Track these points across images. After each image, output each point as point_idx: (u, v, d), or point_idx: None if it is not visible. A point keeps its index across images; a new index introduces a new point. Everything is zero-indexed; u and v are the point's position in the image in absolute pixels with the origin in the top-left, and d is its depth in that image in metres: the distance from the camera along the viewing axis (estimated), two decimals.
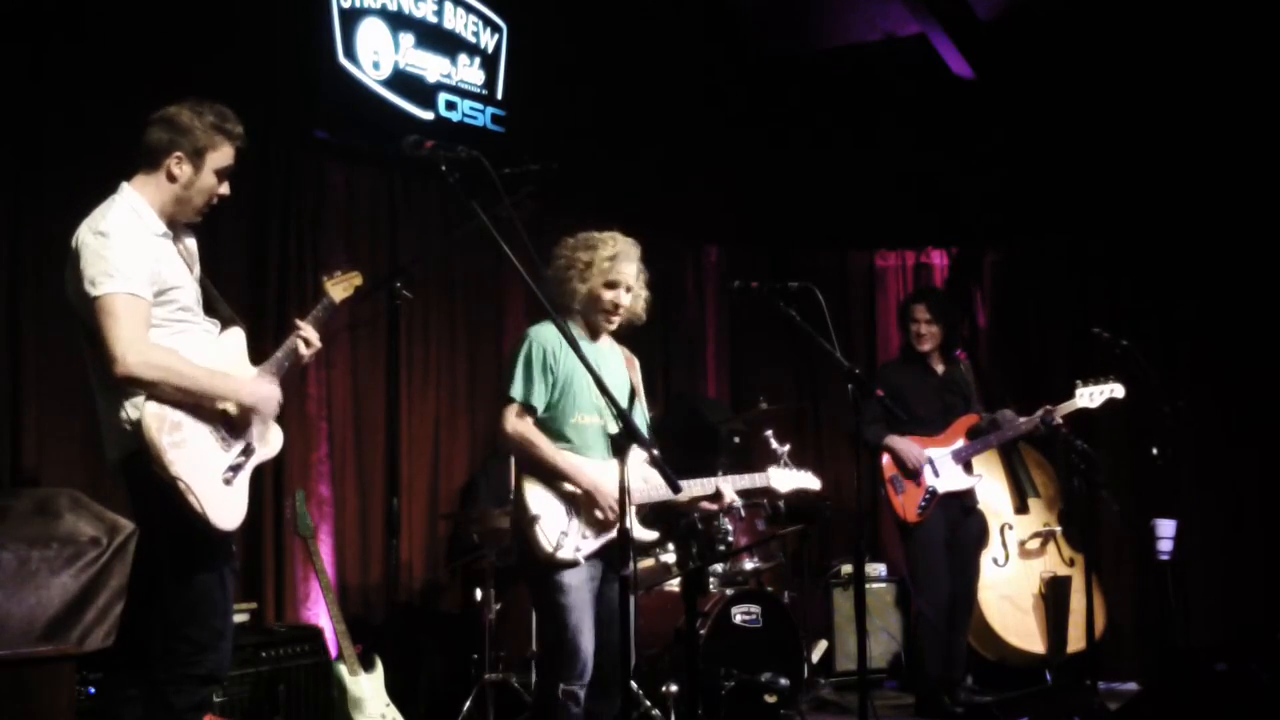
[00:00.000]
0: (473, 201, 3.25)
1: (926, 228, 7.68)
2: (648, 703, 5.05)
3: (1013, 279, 7.53)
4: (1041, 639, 6.40)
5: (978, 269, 7.62)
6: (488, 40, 6.25)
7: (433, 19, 5.99)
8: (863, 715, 4.02)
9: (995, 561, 6.48)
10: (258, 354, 3.58)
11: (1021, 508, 6.62)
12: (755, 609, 5.36)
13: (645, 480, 3.91)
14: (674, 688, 5.03)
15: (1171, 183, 6.97)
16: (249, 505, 3.39)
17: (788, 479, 4.43)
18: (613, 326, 4.04)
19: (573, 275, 3.95)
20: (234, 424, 3.34)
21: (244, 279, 5.26)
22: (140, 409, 3.13)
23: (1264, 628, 6.13)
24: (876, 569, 6.88)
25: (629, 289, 3.98)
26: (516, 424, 3.86)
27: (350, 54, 5.60)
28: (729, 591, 5.38)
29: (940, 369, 6.10)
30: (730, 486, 4.13)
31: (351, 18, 5.62)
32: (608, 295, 3.96)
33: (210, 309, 3.48)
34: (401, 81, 5.81)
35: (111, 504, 4.16)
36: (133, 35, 4.87)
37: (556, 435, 3.88)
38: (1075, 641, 6.30)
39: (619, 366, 4.05)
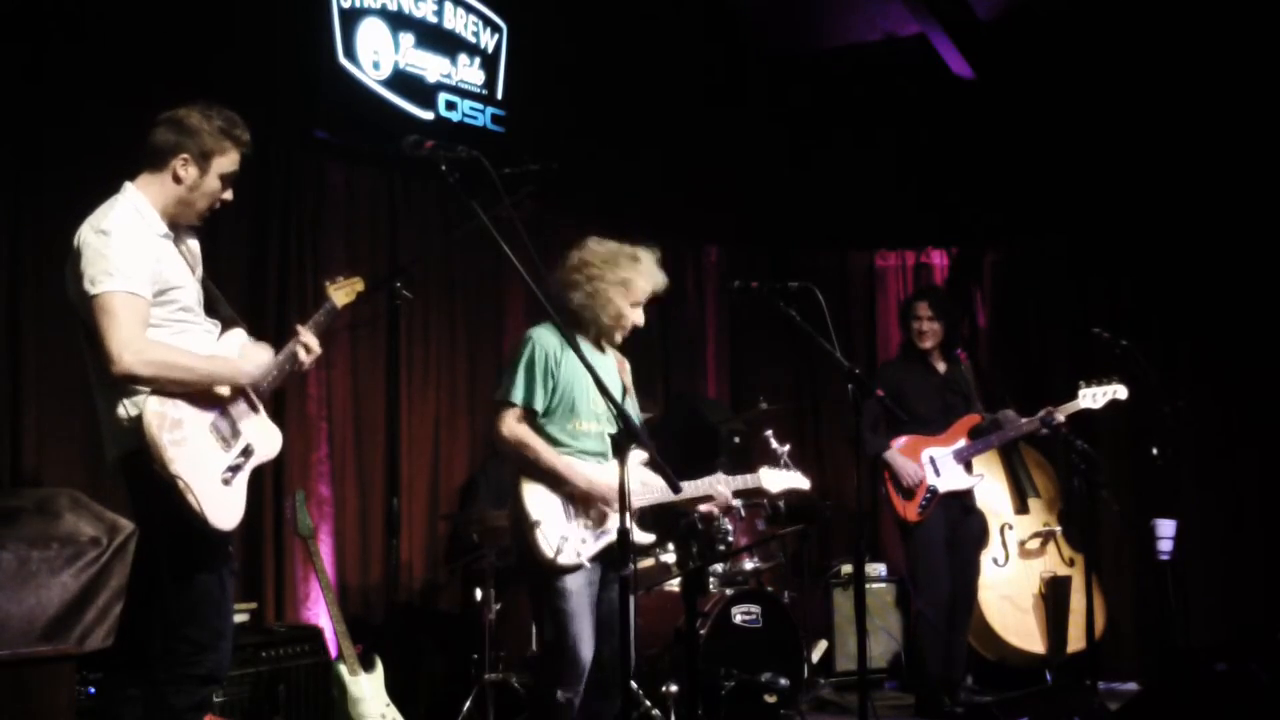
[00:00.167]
0: (473, 201, 3.25)
1: (926, 228, 7.68)
2: (648, 703, 5.05)
3: (1013, 279, 7.53)
4: (1041, 639, 6.40)
5: (978, 269, 7.62)
6: (488, 40, 6.25)
7: (433, 19, 5.99)
8: (863, 715, 4.02)
9: (995, 561, 6.48)
10: None
11: (1022, 508, 6.62)
12: (755, 609, 5.36)
13: (643, 484, 3.91)
14: (674, 688, 5.03)
15: (1172, 182, 6.97)
16: (249, 505, 3.39)
17: (778, 479, 4.45)
18: (619, 338, 4.06)
19: (605, 288, 3.92)
20: (236, 421, 3.34)
21: (244, 279, 5.27)
22: (140, 407, 3.13)
23: (1264, 628, 6.13)
24: (876, 569, 6.88)
25: (639, 305, 4.04)
26: (515, 428, 3.86)
27: (350, 54, 5.60)
28: (729, 591, 5.38)
29: (941, 368, 6.11)
30: (725, 488, 4.14)
31: (351, 18, 5.62)
32: (633, 314, 3.96)
33: (211, 310, 3.48)
34: (401, 81, 5.81)
35: (111, 504, 4.16)
36: (132, 35, 4.87)
37: (556, 441, 3.87)
38: (1075, 641, 6.30)
39: (613, 369, 4.05)
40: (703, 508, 4.22)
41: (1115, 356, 5.73)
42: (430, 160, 3.24)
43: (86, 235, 3.20)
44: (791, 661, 5.35)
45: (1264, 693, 3.61)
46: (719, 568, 5.66)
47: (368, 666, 4.70)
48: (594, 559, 3.84)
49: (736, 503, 5.78)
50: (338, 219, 5.71)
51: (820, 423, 7.60)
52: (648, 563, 5.65)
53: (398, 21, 5.82)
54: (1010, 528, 6.56)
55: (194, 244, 3.49)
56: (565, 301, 3.98)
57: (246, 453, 3.35)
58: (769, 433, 5.41)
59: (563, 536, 3.77)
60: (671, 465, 3.34)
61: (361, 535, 5.67)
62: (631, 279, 3.94)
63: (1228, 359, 6.85)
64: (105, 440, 3.29)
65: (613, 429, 3.90)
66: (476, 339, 6.27)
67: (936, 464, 5.90)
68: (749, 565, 5.79)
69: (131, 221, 3.24)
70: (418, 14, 5.92)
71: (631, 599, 3.31)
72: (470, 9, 6.18)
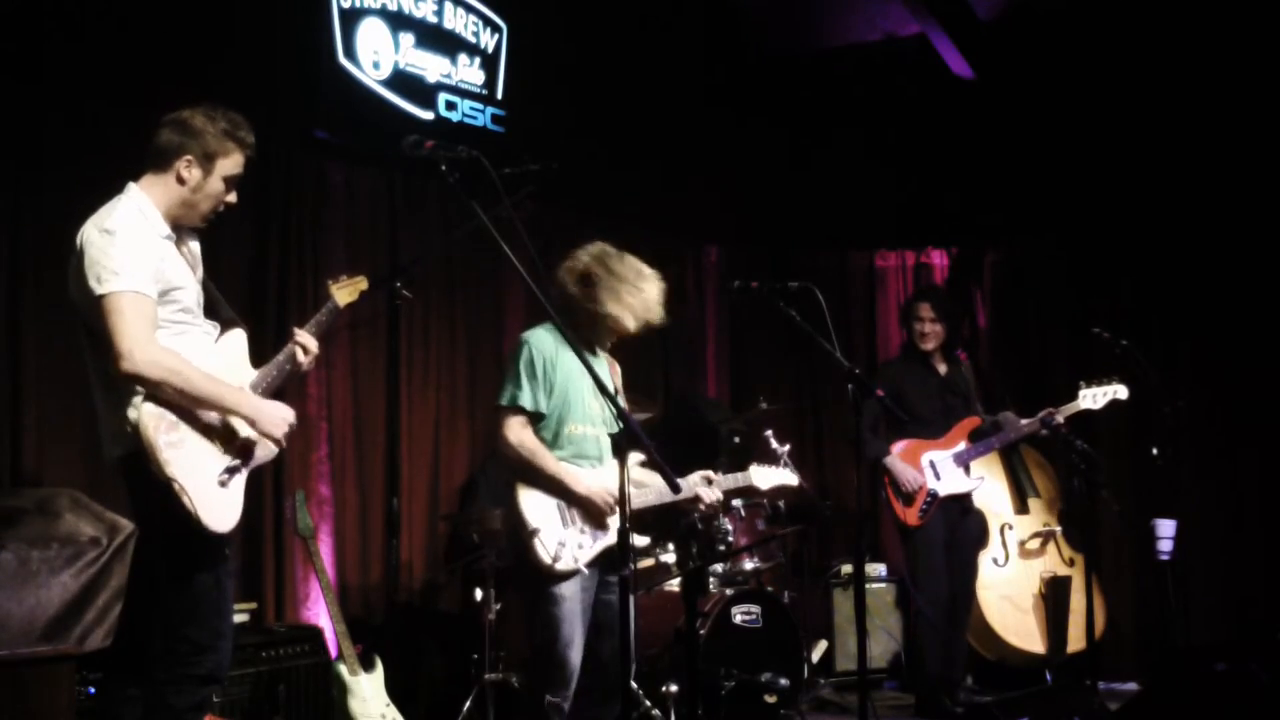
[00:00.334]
0: (473, 201, 3.25)
1: (926, 228, 7.68)
2: (648, 703, 5.05)
3: (1013, 279, 7.53)
4: (1041, 639, 6.40)
5: (978, 269, 7.62)
6: (488, 40, 6.25)
7: (433, 19, 5.99)
8: (863, 715, 4.03)
9: (995, 561, 6.48)
10: (258, 356, 3.58)
11: (1022, 508, 6.62)
12: (755, 609, 5.36)
13: (638, 485, 3.91)
14: (674, 688, 5.03)
15: (1171, 182, 6.97)
16: (250, 505, 3.39)
17: (768, 476, 4.52)
18: (609, 345, 4.08)
19: (610, 298, 3.91)
20: (233, 423, 3.33)
21: (244, 279, 5.26)
22: (139, 408, 3.13)
23: (1264, 628, 6.14)
24: (876, 569, 6.88)
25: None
26: (522, 434, 3.85)
27: (350, 54, 5.60)
28: (729, 591, 5.38)
29: (942, 369, 6.11)
30: (715, 488, 4.17)
31: (351, 18, 5.62)
32: (634, 329, 3.96)
33: (212, 311, 3.48)
34: (401, 81, 5.81)
35: (111, 504, 4.16)
36: (132, 35, 4.87)
37: (550, 444, 3.86)
38: (1075, 641, 6.30)
39: (605, 372, 4.03)
40: (703, 506, 4.21)
41: (1115, 356, 5.72)
42: (430, 160, 3.24)
43: (90, 234, 3.20)
44: (791, 661, 5.34)
45: (1264, 693, 3.61)
46: (719, 568, 5.66)
47: (368, 666, 4.70)
48: (591, 564, 3.83)
49: (737, 503, 5.81)
50: (338, 219, 5.71)
51: (820, 423, 7.60)
52: (647, 563, 5.65)
53: (398, 21, 5.82)
54: (1010, 528, 6.56)
55: (195, 245, 3.49)
56: (564, 299, 3.97)
57: (245, 455, 3.34)
58: (769, 433, 5.41)
59: (560, 542, 3.77)
60: (671, 466, 3.33)
61: (361, 535, 5.67)
62: (636, 300, 3.93)
63: (1228, 359, 6.85)
64: (104, 441, 3.29)
65: (606, 431, 3.92)
66: (476, 339, 6.26)
67: (937, 468, 5.90)
68: (749, 565, 5.79)
69: (135, 221, 3.24)
70: (418, 14, 5.92)
71: (631, 599, 3.31)
72: (470, 9, 6.18)
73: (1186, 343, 6.96)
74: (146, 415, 3.12)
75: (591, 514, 3.83)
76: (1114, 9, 6.93)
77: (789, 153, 7.78)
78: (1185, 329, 6.97)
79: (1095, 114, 7.11)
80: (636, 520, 4.05)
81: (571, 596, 3.76)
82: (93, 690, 3.87)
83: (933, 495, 5.86)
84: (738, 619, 5.32)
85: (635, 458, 3.89)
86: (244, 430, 3.35)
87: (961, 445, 5.95)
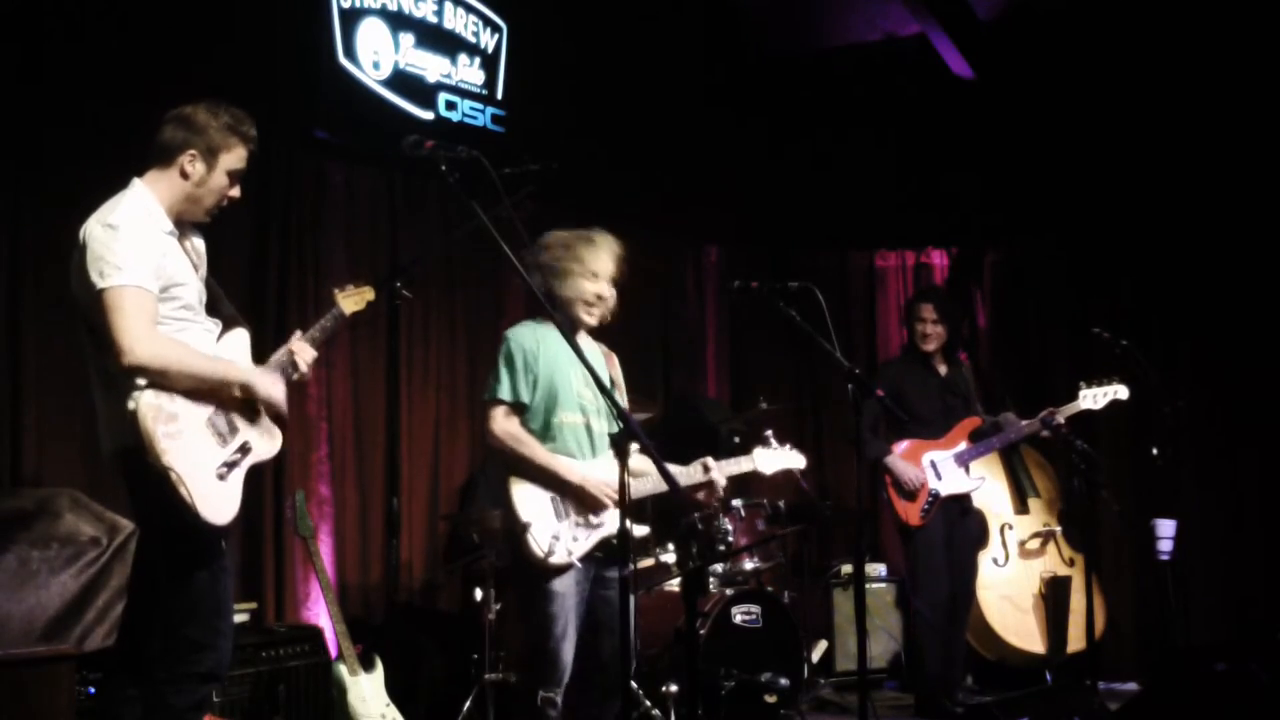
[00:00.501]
0: (473, 201, 3.25)
1: (926, 228, 7.68)
2: (648, 703, 5.05)
3: (1013, 279, 7.53)
4: (1041, 639, 6.40)
5: (978, 269, 7.62)
6: (488, 40, 6.25)
7: (433, 19, 5.99)
8: (863, 715, 4.02)
9: (995, 561, 6.49)
10: (258, 356, 3.58)
11: (1022, 508, 6.62)
12: (755, 609, 5.36)
13: (636, 474, 3.88)
14: (674, 688, 5.03)
15: (1171, 182, 6.97)
16: (250, 505, 3.40)
17: (772, 459, 4.44)
18: (593, 321, 4.00)
19: (567, 271, 3.93)
20: (233, 419, 3.34)
21: (244, 279, 5.26)
22: (137, 400, 3.13)
23: (1264, 628, 6.14)
24: (876, 569, 6.88)
25: (612, 283, 3.99)
26: (505, 424, 3.85)
27: (350, 54, 5.60)
28: (729, 591, 5.38)
29: (943, 369, 6.10)
30: (719, 472, 4.09)
31: (351, 18, 5.62)
32: (591, 288, 3.93)
33: (214, 309, 3.48)
34: (401, 81, 5.81)
35: (111, 504, 4.17)
36: (132, 35, 4.87)
37: (539, 436, 3.86)
38: (1075, 641, 6.30)
39: (599, 363, 4.01)
40: (701, 495, 4.16)
41: (1115, 356, 5.72)
42: (430, 160, 3.24)
43: (93, 229, 3.21)
44: (791, 661, 5.34)
45: (1264, 693, 3.61)
46: (719, 568, 5.66)
47: (368, 666, 4.70)
48: (586, 558, 3.82)
49: (737, 502, 5.81)
50: (338, 219, 5.71)
51: (820, 423, 7.60)
52: (647, 563, 5.65)
53: (398, 21, 5.82)
54: (1010, 528, 6.56)
55: (199, 243, 3.49)
56: (544, 291, 3.98)
57: (243, 450, 3.34)
58: (769, 433, 5.39)
59: (554, 536, 3.76)
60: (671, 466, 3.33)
61: (361, 535, 5.67)
62: (590, 258, 3.93)
63: (1228, 359, 6.85)
64: (103, 436, 3.29)
65: (598, 420, 3.91)
66: (476, 339, 6.26)
67: (937, 468, 5.90)
68: (749, 565, 5.79)
69: (139, 217, 3.25)
70: (418, 14, 5.92)
71: (632, 599, 3.31)
72: (470, 9, 6.18)
73: (1186, 343, 6.96)
74: (145, 407, 3.12)
75: (586, 505, 3.81)
76: (1114, 9, 6.93)
77: (789, 153, 7.78)
78: (1185, 329, 6.97)
79: (1095, 114, 7.11)
80: (636, 509, 4.05)
81: (565, 592, 3.75)
82: (93, 690, 3.86)
83: (934, 495, 5.86)
84: (738, 619, 5.32)
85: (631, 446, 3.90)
86: (245, 426, 3.36)
87: (962, 445, 5.95)
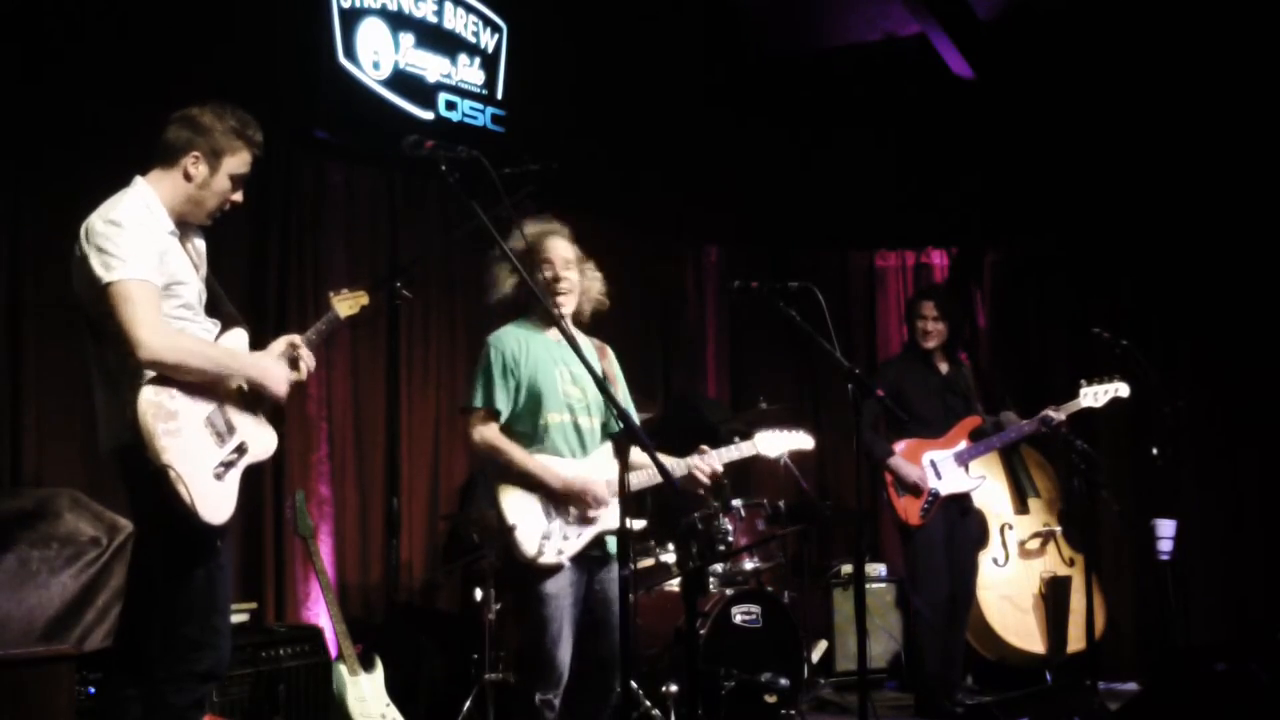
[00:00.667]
0: (473, 201, 3.25)
1: (926, 228, 7.68)
2: (648, 703, 5.05)
3: (1013, 279, 7.53)
4: (1041, 639, 6.40)
5: (978, 269, 7.62)
6: (488, 40, 6.25)
7: (433, 19, 5.99)
8: (863, 715, 4.02)
9: (995, 561, 6.49)
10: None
11: (1022, 508, 6.62)
12: (755, 609, 5.36)
13: (632, 467, 3.86)
14: (674, 688, 5.03)
15: (1171, 182, 6.98)
16: (250, 505, 3.40)
17: (777, 442, 4.32)
18: (567, 308, 3.93)
19: (518, 270, 3.92)
20: (231, 418, 3.34)
21: (244, 278, 5.27)
22: (137, 397, 3.13)
23: (1264, 628, 6.14)
24: (876, 569, 6.88)
25: (569, 263, 3.90)
26: (482, 432, 3.84)
27: (350, 54, 5.61)
28: (729, 591, 5.38)
29: (944, 368, 6.10)
30: (717, 460, 3.99)
31: (351, 18, 5.62)
32: (547, 273, 3.90)
33: (214, 309, 3.49)
34: (401, 81, 5.81)
35: (111, 504, 4.17)
36: (132, 35, 4.87)
37: (526, 437, 3.84)
38: (1075, 641, 6.30)
39: (593, 358, 3.97)
40: (697, 477, 4.05)
41: (1115, 356, 5.72)
42: (430, 160, 3.24)
43: (96, 225, 3.21)
44: (791, 661, 5.34)
45: (1264, 693, 3.61)
46: (719, 568, 5.66)
47: (368, 666, 4.70)
48: (578, 558, 3.81)
49: (737, 502, 5.80)
50: (338, 219, 5.71)
51: (820, 423, 7.59)
52: (647, 563, 5.65)
53: (398, 21, 5.83)
54: (1010, 528, 6.56)
55: (200, 243, 3.50)
56: (505, 300, 3.97)
57: (240, 450, 3.35)
58: (762, 405, 5.40)
59: (543, 537, 3.74)
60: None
61: (361, 535, 5.67)
62: (537, 246, 3.89)
63: (1228, 359, 6.85)
64: (102, 433, 3.29)
65: (586, 417, 3.89)
66: (476, 339, 6.20)
67: (938, 467, 5.90)
68: (749, 565, 5.79)
69: (140, 214, 3.26)
70: (418, 14, 5.92)
71: (631, 599, 3.30)
72: (470, 9, 6.18)
73: (1186, 343, 6.96)
74: (144, 403, 3.13)
75: (574, 506, 3.80)
76: (1114, 9, 6.93)
77: (789, 153, 7.77)
78: (1185, 329, 6.98)
79: (1095, 114, 7.11)
80: (634, 502, 4.00)
81: (559, 594, 3.74)
82: (93, 690, 3.87)
83: (934, 495, 5.86)
84: (738, 619, 5.32)
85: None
86: (242, 426, 3.36)
87: (962, 445, 5.95)
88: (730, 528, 5.73)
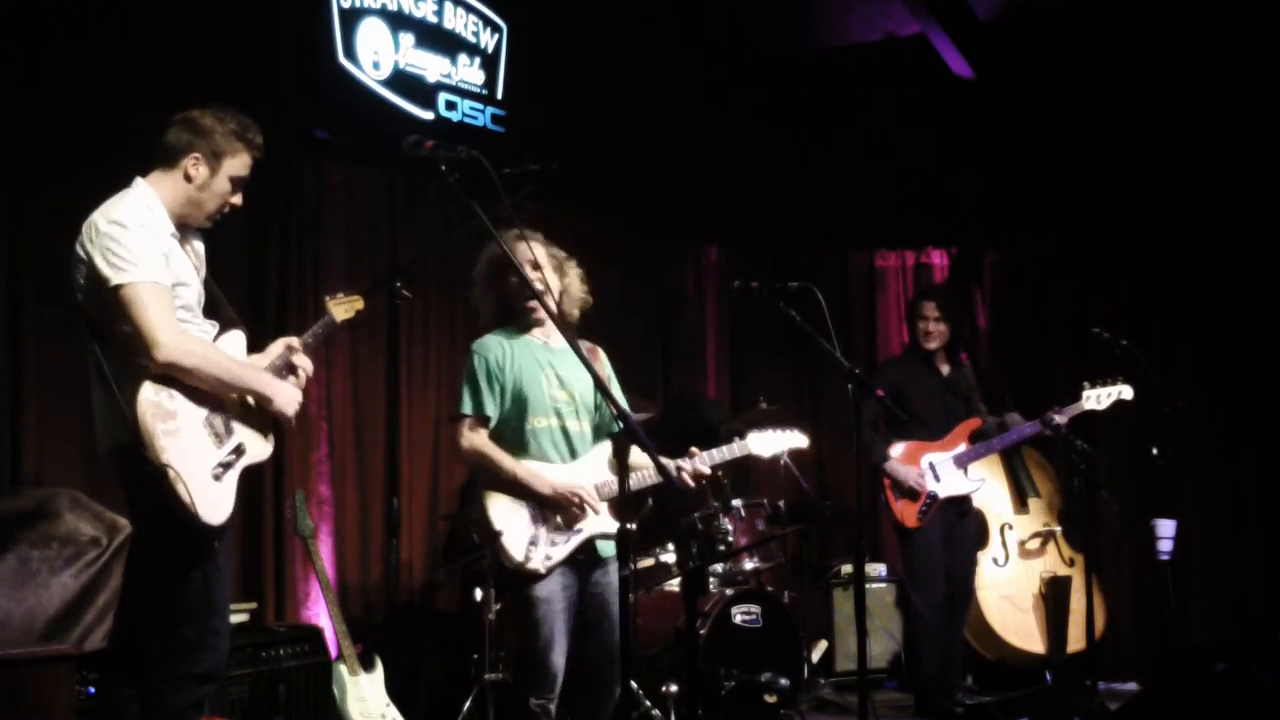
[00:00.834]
0: (473, 201, 3.25)
1: (926, 228, 7.68)
2: (648, 703, 5.05)
3: (1013, 279, 7.53)
4: (1041, 639, 6.40)
5: (978, 269, 7.62)
6: (488, 40, 6.25)
7: (433, 19, 5.99)
8: (863, 715, 4.02)
9: (995, 561, 6.49)
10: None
11: (1021, 508, 6.62)
12: (755, 609, 5.36)
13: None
14: (674, 688, 5.03)
15: (1171, 182, 6.98)
16: (250, 505, 3.40)
17: (770, 442, 4.29)
18: (540, 312, 3.89)
19: (490, 284, 3.93)
20: (230, 420, 3.34)
21: (244, 279, 5.27)
22: (137, 397, 3.13)
23: (1264, 628, 6.14)
24: (876, 569, 6.88)
25: (538, 265, 3.82)
26: (471, 439, 3.83)
27: (350, 54, 5.60)
28: (729, 591, 5.38)
29: (945, 369, 6.10)
30: (702, 463, 3.94)
31: (351, 18, 5.62)
32: (513, 281, 3.89)
33: (213, 311, 3.49)
34: (401, 81, 5.81)
35: (111, 504, 4.16)
36: (132, 35, 4.87)
37: (515, 444, 3.83)
38: (1075, 641, 6.30)
39: (579, 363, 3.95)
40: (687, 477, 3.98)
41: (1115, 356, 5.72)
42: (430, 160, 3.24)
43: (100, 225, 3.21)
44: (791, 661, 5.35)
45: (1264, 693, 3.61)
46: (719, 568, 5.66)
47: (368, 666, 4.70)
48: (571, 562, 3.80)
49: (737, 502, 5.80)
50: (338, 219, 5.71)
51: (820, 423, 7.60)
52: (647, 563, 5.65)
53: (398, 21, 5.82)
54: (1010, 528, 6.56)
55: (199, 245, 3.51)
56: (492, 310, 3.97)
57: (238, 451, 3.35)
58: (762, 402, 5.39)
59: (530, 542, 3.73)
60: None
61: (361, 535, 5.67)
62: (491, 258, 3.91)
63: (1228, 359, 6.85)
64: (100, 433, 3.28)
65: (574, 421, 3.89)
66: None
67: (936, 470, 5.90)
68: (749, 565, 5.80)
69: (142, 215, 3.26)
70: (418, 14, 5.92)
71: (631, 598, 3.29)
72: (470, 9, 6.18)
73: (1186, 343, 6.96)
74: (144, 403, 3.13)
75: (564, 512, 3.79)
76: (1114, 9, 6.93)
77: (789, 153, 7.78)
78: (1185, 329, 6.98)
79: (1095, 114, 7.11)
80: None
81: (549, 598, 3.73)
82: (93, 690, 3.87)
83: (932, 497, 5.86)
84: (738, 619, 5.32)
85: (608, 448, 3.89)
86: (240, 427, 3.36)
87: (961, 447, 5.95)
88: (730, 528, 5.73)
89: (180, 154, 3.35)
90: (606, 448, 3.90)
